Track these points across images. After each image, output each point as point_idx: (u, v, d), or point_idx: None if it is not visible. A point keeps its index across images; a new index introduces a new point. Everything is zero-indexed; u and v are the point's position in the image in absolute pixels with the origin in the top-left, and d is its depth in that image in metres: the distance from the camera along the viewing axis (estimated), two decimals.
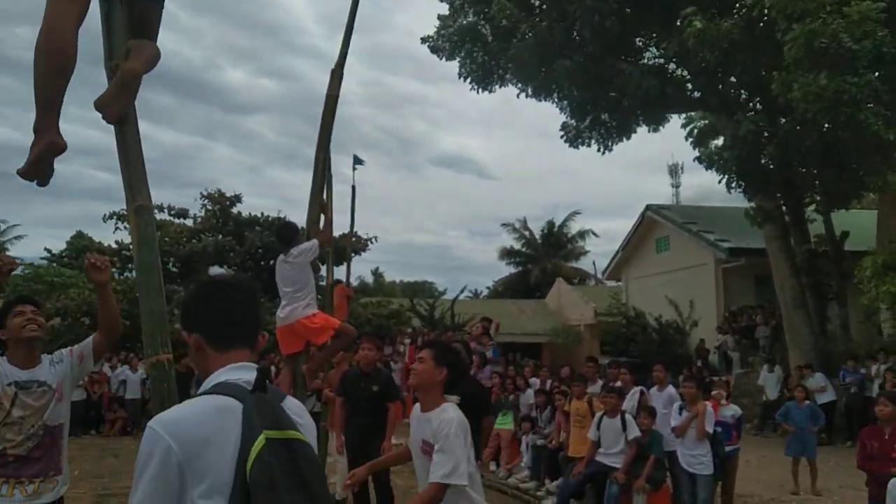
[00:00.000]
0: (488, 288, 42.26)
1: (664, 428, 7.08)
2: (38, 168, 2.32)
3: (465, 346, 6.18)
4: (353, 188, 10.83)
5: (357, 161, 10.90)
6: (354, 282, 39.84)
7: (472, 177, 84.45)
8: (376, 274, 51.28)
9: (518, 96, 17.59)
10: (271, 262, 20.58)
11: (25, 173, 2.30)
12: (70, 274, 31.74)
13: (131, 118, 2.57)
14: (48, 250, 36.94)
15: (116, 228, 22.32)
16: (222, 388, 1.53)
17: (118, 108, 2.49)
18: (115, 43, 2.63)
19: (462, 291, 28.33)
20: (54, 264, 34.69)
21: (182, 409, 1.52)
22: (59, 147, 2.31)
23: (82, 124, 66.74)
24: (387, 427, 6.25)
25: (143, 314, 2.49)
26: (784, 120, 12.90)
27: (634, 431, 6.91)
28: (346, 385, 6.48)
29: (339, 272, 16.39)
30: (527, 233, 37.38)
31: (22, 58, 61.42)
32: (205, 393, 1.56)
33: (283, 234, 5.67)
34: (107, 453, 11.62)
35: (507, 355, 16.17)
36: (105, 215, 21.62)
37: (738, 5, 13.42)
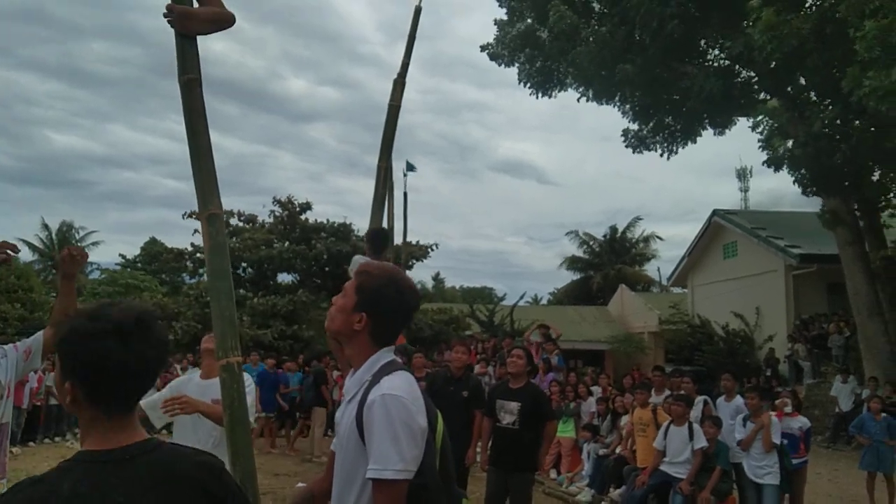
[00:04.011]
0: (549, 294, 42.01)
1: (731, 439, 6.91)
2: None
3: (528, 354, 6.12)
4: (405, 195, 10.98)
5: (409, 167, 11.10)
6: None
7: (531, 182, 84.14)
8: (437, 280, 51.70)
9: (578, 101, 17.48)
10: (336, 268, 21.05)
11: None
12: (143, 278, 33.33)
13: (200, 110, 2.71)
14: (123, 256, 38.98)
15: (195, 231, 23.05)
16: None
17: (195, 25, 2.66)
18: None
19: (521, 298, 28.22)
20: (128, 269, 36.50)
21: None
22: None
23: (153, 134, 69.67)
24: (472, 435, 6.16)
25: (215, 318, 2.61)
26: (858, 122, 12.42)
27: (701, 441, 6.77)
28: (435, 387, 6.48)
29: None
30: (591, 241, 36.98)
31: (96, 71, 64.59)
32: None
33: (377, 241, 5.68)
34: None
35: (567, 363, 16.03)
36: (185, 213, 22.33)
37: (807, 2, 12.99)
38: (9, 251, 2.94)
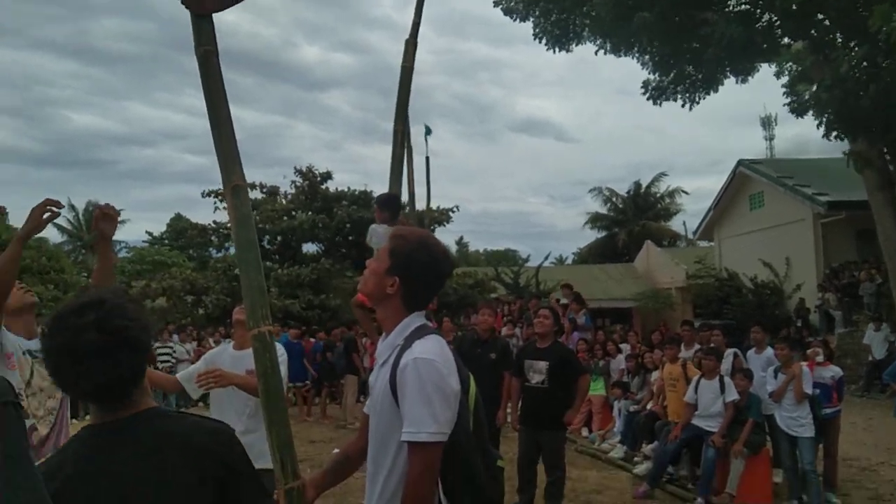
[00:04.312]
0: (574, 254, 41.85)
1: (763, 391, 6.88)
2: None
3: (554, 314, 6.11)
4: (427, 159, 10.91)
5: (427, 131, 11.04)
6: None
7: (550, 140, 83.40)
8: (460, 244, 51.73)
9: (596, 54, 17.14)
10: (359, 235, 21.13)
11: None
12: (171, 254, 33.79)
13: (219, 84, 2.69)
14: (149, 233, 39.53)
15: (216, 209, 23.30)
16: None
17: (208, 3, 2.64)
18: None
19: (546, 258, 28.04)
20: (155, 245, 37.01)
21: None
22: None
23: (171, 109, 69.95)
24: (502, 396, 6.21)
25: (244, 289, 2.62)
26: (887, 62, 12.01)
27: (732, 394, 6.75)
28: (462, 351, 6.51)
29: None
30: (614, 198, 36.62)
31: (109, 49, 64.66)
32: None
33: (392, 206, 5.68)
34: None
35: (595, 321, 16.02)
36: (203, 192, 22.54)
37: None
38: (53, 208, 2.86)
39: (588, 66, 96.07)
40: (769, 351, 7.35)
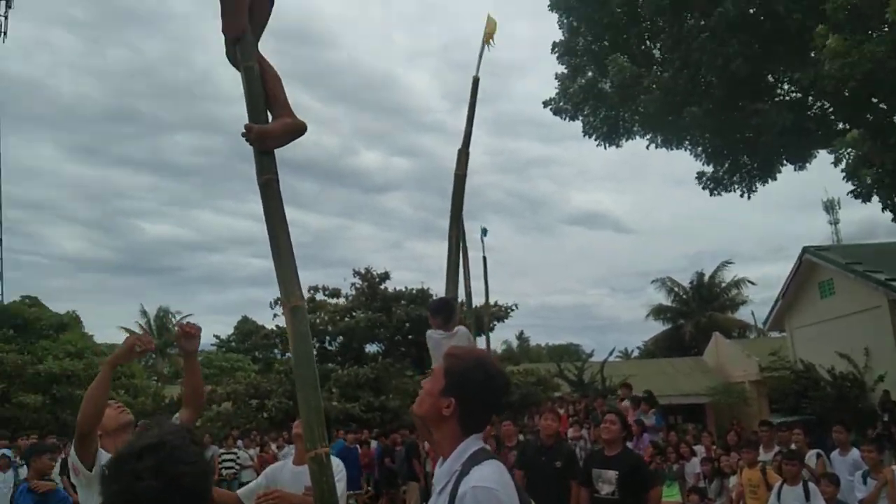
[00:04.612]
0: (639, 347, 40.73)
1: (851, 497, 6.39)
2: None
3: (621, 418, 5.89)
4: (484, 258, 11.16)
5: (484, 232, 11.40)
6: (499, 348, 40.00)
7: (607, 232, 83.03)
8: (521, 339, 51.13)
9: (647, 147, 17.29)
10: (418, 334, 21.20)
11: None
12: (237, 358, 34.50)
13: (280, 210, 2.83)
14: (217, 336, 40.54)
15: (274, 315, 23.88)
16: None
17: (271, 141, 2.83)
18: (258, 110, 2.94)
19: (611, 353, 27.34)
20: (223, 349, 37.89)
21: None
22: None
23: (237, 216, 73.14)
24: None
25: (302, 407, 2.66)
26: None
27: (819, 502, 6.29)
28: (526, 459, 6.30)
29: (481, 341, 16.48)
30: (677, 288, 35.89)
31: (181, 161, 68.88)
32: None
33: (444, 311, 5.71)
34: None
35: (666, 419, 15.35)
36: (271, 302, 23.23)
37: (881, 24, 12.52)
38: (139, 343, 3.03)
39: (641, 158, 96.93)
40: (855, 452, 6.89)
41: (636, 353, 40.45)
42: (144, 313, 36.49)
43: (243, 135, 2.82)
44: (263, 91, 2.92)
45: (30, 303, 26.22)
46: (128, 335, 3.09)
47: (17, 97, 60.62)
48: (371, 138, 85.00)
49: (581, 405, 14.68)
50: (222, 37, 3.01)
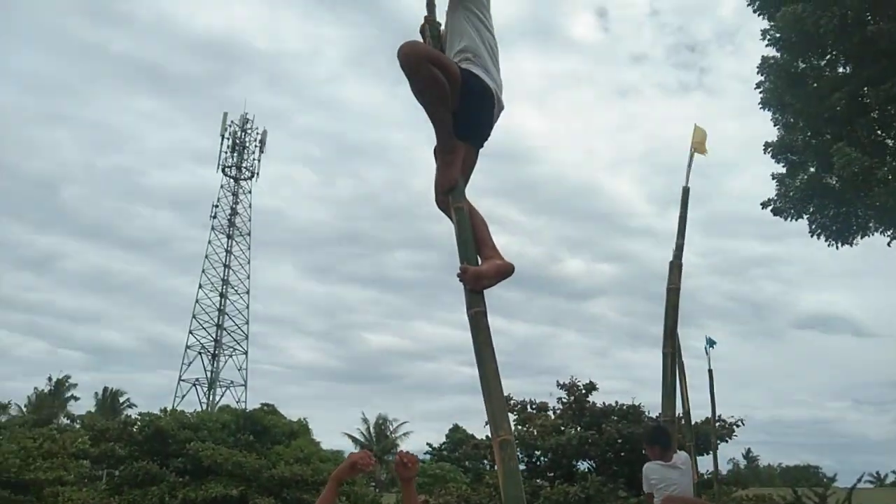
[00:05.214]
0: (895, 472, 34.80)
1: None
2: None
3: None
4: (710, 372, 10.42)
5: (710, 343, 10.65)
6: (726, 468, 36.29)
7: (845, 336, 74.03)
8: (748, 458, 46.15)
9: (889, 244, 15.42)
10: (630, 452, 19.97)
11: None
12: (448, 468, 34.78)
13: (487, 341, 2.90)
14: (430, 444, 41.41)
15: (486, 423, 23.96)
16: None
17: (484, 282, 2.97)
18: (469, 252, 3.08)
19: (861, 479, 23.54)
20: (434, 457, 38.55)
21: None
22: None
23: (449, 326, 76.01)
24: None
25: None
26: None
27: None
28: None
29: (705, 461, 15.17)
30: None
31: (400, 276, 73.90)
32: None
33: (661, 439, 5.47)
34: None
35: None
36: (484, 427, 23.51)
37: None
38: (361, 461, 3.23)
39: (881, 254, 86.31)
40: None
41: (892, 479, 34.55)
42: (365, 420, 38.59)
43: (458, 276, 2.99)
44: (473, 233, 3.11)
45: (267, 410, 28.85)
46: (352, 452, 3.32)
47: (265, 226, 70.45)
48: (575, 246, 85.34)
49: None
50: (433, 161, 3.26)
